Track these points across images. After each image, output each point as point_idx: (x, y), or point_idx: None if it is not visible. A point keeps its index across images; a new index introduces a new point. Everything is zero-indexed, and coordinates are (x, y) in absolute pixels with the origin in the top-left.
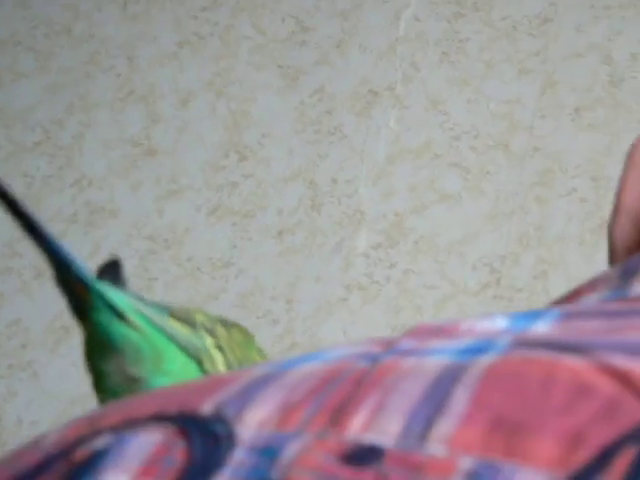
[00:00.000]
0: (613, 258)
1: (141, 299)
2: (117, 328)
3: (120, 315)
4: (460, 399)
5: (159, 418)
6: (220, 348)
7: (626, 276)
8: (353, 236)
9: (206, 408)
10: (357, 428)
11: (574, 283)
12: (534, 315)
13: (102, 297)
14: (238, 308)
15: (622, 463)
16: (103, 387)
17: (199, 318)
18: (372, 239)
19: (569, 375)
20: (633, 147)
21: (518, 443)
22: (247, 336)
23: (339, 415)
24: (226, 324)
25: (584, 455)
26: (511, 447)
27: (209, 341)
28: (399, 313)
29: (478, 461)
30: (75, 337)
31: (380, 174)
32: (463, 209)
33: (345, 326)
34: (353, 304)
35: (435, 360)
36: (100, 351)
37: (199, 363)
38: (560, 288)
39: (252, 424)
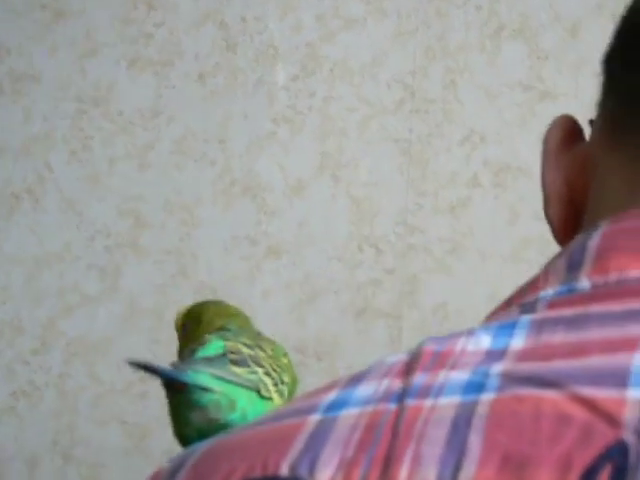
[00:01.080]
0: (558, 239)
1: (211, 362)
2: (204, 397)
3: (206, 389)
4: (474, 444)
5: None
6: (267, 374)
7: (572, 269)
8: (271, 71)
9: (283, 470)
10: (404, 479)
11: (482, 90)
12: (510, 327)
13: (195, 384)
14: (175, 154)
15: (603, 479)
16: (187, 433)
17: (246, 352)
18: (289, 71)
19: (551, 408)
20: (546, 136)
21: (524, 476)
22: (272, 343)
23: (388, 469)
24: (258, 339)
25: (574, 478)
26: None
27: (260, 371)
28: (326, 139)
29: None
30: (26, 203)
31: (286, 8)
32: (369, 32)
33: (278, 158)
34: (282, 136)
35: (448, 402)
36: (188, 410)
37: (257, 392)
38: (469, 95)
39: None
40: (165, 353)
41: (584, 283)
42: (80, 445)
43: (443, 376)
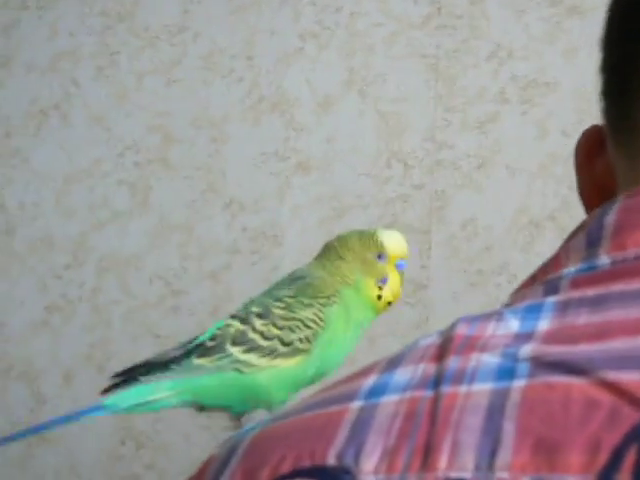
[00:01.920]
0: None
1: (172, 367)
2: (157, 405)
3: (151, 402)
4: (508, 431)
5: (300, 473)
6: (251, 349)
7: (591, 246)
8: None
9: (330, 460)
10: (444, 466)
11: (509, 6)
12: (536, 309)
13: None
14: (203, 70)
15: (630, 459)
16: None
17: (234, 330)
18: None
19: (580, 394)
20: (575, 149)
21: (556, 459)
22: (300, 294)
23: (428, 457)
24: (278, 297)
25: (603, 458)
26: (552, 463)
27: (236, 350)
28: (353, 55)
29: (533, 479)
30: (54, 119)
31: None
32: None
33: (306, 74)
34: (309, 52)
35: (481, 388)
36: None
37: (238, 371)
38: (496, 11)
39: (369, 471)
40: (195, 268)
41: (604, 260)
42: (114, 358)
43: (475, 360)
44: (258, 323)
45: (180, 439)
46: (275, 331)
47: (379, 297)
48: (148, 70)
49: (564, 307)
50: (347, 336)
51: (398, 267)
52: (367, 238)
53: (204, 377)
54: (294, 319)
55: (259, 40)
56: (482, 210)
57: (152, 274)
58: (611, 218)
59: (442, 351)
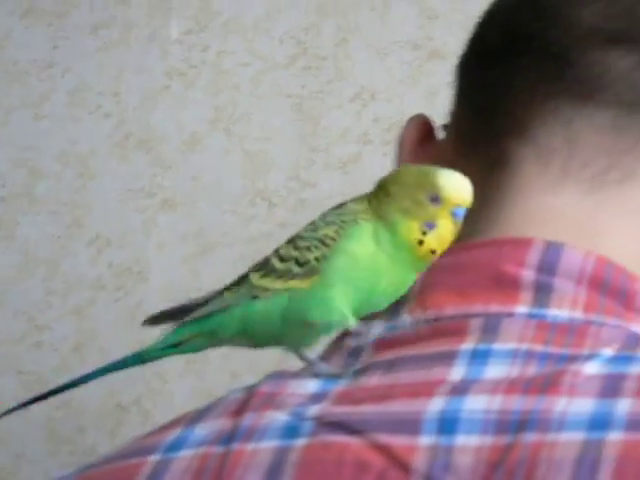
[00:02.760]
0: None
1: (201, 309)
2: (187, 349)
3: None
4: None
5: None
6: (266, 274)
7: (397, 304)
8: (164, 24)
9: None
10: None
11: (372, 48)
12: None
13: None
14: (70, 106)
15: None
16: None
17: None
18: (183, 25)
19: (352, 456)
20: (401, 134)
21: None
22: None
23: None
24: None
25: None
26: None
27: (254, 278)
28: (219, 93)
29: None
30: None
31: None
32: None
33: (173, 112)
34: (176, 90)
35: (266, 446)
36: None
37: (255, 298)
38: (360, 53)
39: None
40: (59, 303)
41: (405, 320)
42: None
43: (268, 417)
44: (284, 247)
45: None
46: (294, 252)
47: (420, 242)
48: (16, 105)
49: (361, 369)
50: (379, 263)
51: (454, 215)
52: (423, 175)
53: (226, 310)
54: (313, 238)
55: (126, 77)
56: None
57: (16, 309)
58: (420, 275)
59: (242, 407)
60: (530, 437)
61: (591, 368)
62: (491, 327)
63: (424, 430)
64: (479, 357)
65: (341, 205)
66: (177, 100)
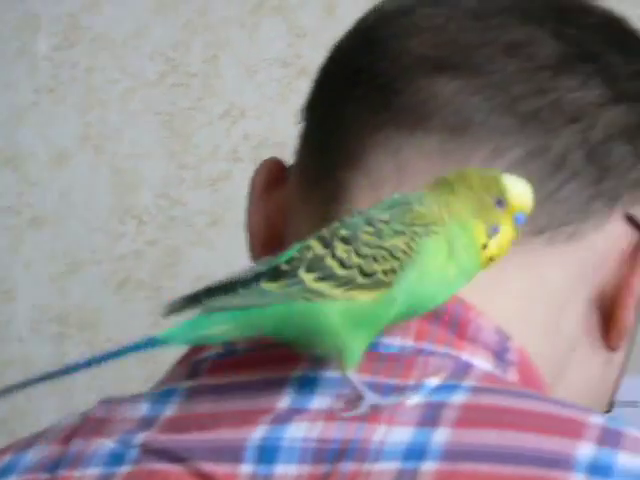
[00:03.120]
0: None
1: (237, 293)
2: (216, 339)
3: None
4: None
5: None
6: (325, 277)
7: None
8: (33, 41)
9: None
10: None
11: (242, 65)
12: (169, 394)
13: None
14: None
15: None
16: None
17: (312, 254)
18: (51, 42)
19: None
20: (253, 178)
21: None
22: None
23: None
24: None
25: None
26: None
27: (308, 279)
28: (89, 111)
29: None
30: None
31: None
32: (132, 3)
33: (41, 129)
34: (44, 106)
35: (92, 473)
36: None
37: (307, 301)
38: (230, 70)
39: None
40: None
41: (240, 345)
42: None
43: (95, 444)
44: (340, 248)
45: None
46: (356, 259)
47: (484, 246)
48: None
49: (193, 394)
50: (447, 275)
51: (516, 220)
52: (490, 179)
53: (269, 306)
54: (381, 247)
55: None
56: (214, 267)
57: None
58: None
59: (72, 433)
60: (347, 467)
61: (414, 398)
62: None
63: (245, 458)
64: (307, 385)
65: (404, 205)
66: (46, 116)
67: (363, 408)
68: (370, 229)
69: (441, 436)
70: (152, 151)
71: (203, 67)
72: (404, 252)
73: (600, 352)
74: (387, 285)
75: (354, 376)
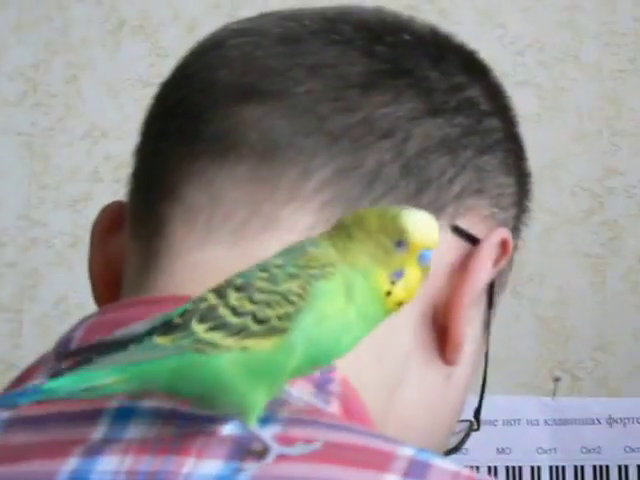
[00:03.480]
0: None
1: (129, 349)
2: (97, 393)
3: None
4: None
5: None
6: (216, 327)
7: (58, 360)
8: None
9: None
10: None
11: (103, 85)
12: None
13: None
14: None
15: None
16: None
17: (205, 305)
18: None
19: None
20: (95, 220)
21: None
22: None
23: None
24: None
25: None
26: None
27: (200, 330)
28: None
29: None
30: None
31: None
32: None
33: None
34: None
35: None
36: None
37: (200, 353)
38: (91, 90)
39: None
40: None
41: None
42: None
43: None
44: (233, 297)
45: None
46: (249, 306)
47: (388, 293)
48: None
49: (11, 424)
50: (348, 319)
51: (421, 259)
52: (387, 219)
53: (158, 360)
54: (274, 292)
55: None
56: (74, 288)
57: None
58: (79, 333)
59: None
60: None
61: (227, 429)
62: None
63: None
64: (123, 416)
65: (299, 250)
66: None
67: (269, 459)
68: (264, 274)
69: (248, 470)
70: (12, 172)
71: (64, 87)
72: (299, 296)
73: (438, 367)
74: (282, 331)
75: (257, 429)
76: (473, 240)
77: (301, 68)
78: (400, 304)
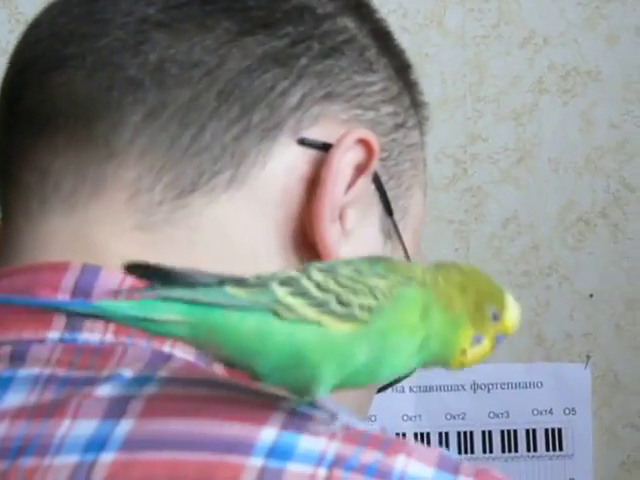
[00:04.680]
0: None
1: (198, 288)
2: (161, 329)
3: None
4: None
5: None
6: (297, 293)
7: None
8: None
9: None
10: None
11: None
12: None
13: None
14: None
15: None
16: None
17: (280, 275)
18: None
19: None
20: None
21: None
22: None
23: None
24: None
25: None
26: None
27: (281, 292)
28: None
29: None
30: None
31: None
32: None
33: None
34: None
35: None
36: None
37: (275, 314)
38: None
39: None
40: None
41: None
42: None
43: None
44: (317, 274)
45: None
46: (333, 286)
47: (463, 352)
48: None
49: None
50: (414, 338)
51: (498, 339)
52: (495, 289)
53: (230, 311)
54: (361, 282)
55: None
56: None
57: None
58: None
59: None
60: (27, 462)
61: (104, 390)
62: (19, 354)
63: None
64: (1, 385)
65: (386, 259)
66: None
67: (337, 427)
68: (350, 267)
69: (123, 427)
70: None
71: None
72: (384, 294)
73: None
74: (360, 322)
75: (326, 402)
76: (326, 148)
77: (99, 24)
78: (462, 365)
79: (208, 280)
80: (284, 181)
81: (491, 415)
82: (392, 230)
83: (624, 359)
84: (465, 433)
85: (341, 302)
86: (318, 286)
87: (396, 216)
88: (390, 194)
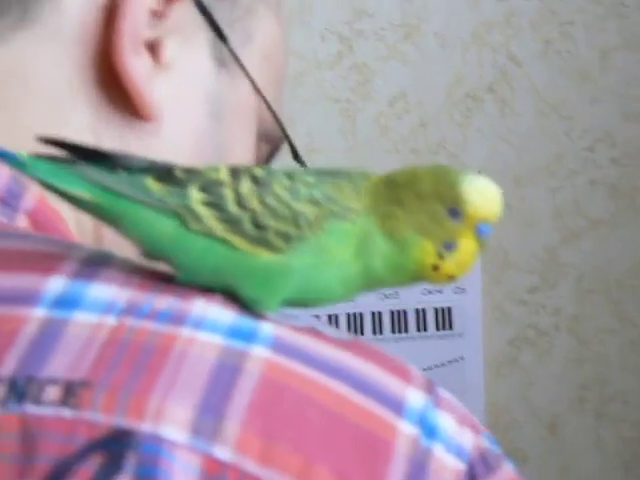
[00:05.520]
0: None
1: (122, 176)
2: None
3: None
4: None
5: None
6: (211, 204)
7: None
8: None
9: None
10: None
11: None
12: None
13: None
14: None
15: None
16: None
17: (209, 174)
18: None
19: None
20: None
21: None
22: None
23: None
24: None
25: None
26: None
27: (195, 197)
28: None
29: None
30: None
31: None
32: None
33: None
34: None
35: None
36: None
37: (181, 220)
38: None
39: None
40: None
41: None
42: None
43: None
44: (245, 185)
45: None
46: (255, 204)
47: (435, 268)
48: None
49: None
50: (348, 273)
51: (480, 233)
52: (445, 184)
53: (136, 205)
54: (287, 205)
55: None
56: None
57: None
58: None
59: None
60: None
61: None
62: None
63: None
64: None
65: (336, 178)
66: None
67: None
68: (287, 182)
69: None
70: None
71: None
72: (309, 224)
73: (133, 131)
74: (274, 249)
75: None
76: None
77: None
78: (451, 278)
79: (137, 164)
80: (79, 12)
81: (380, 296)
82: (228, 58)
83: (513, 236)
84: (355, 315)
85: (256, 224)
86: (238, 199)
87: (235, 42)
88: (221, 16)
